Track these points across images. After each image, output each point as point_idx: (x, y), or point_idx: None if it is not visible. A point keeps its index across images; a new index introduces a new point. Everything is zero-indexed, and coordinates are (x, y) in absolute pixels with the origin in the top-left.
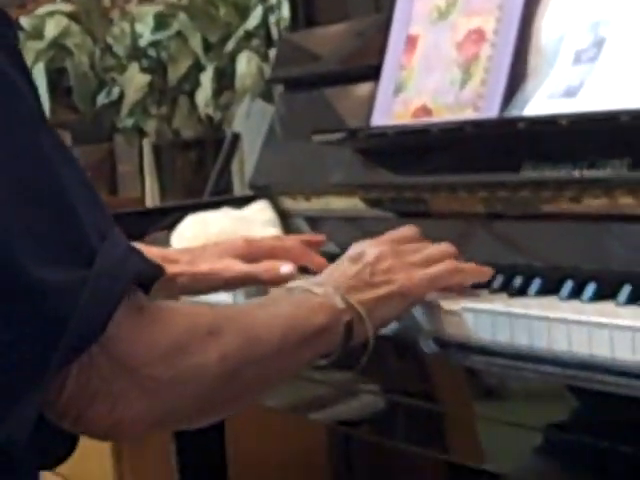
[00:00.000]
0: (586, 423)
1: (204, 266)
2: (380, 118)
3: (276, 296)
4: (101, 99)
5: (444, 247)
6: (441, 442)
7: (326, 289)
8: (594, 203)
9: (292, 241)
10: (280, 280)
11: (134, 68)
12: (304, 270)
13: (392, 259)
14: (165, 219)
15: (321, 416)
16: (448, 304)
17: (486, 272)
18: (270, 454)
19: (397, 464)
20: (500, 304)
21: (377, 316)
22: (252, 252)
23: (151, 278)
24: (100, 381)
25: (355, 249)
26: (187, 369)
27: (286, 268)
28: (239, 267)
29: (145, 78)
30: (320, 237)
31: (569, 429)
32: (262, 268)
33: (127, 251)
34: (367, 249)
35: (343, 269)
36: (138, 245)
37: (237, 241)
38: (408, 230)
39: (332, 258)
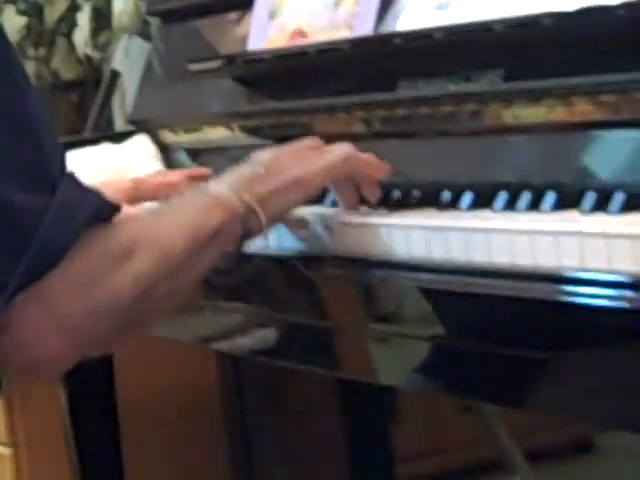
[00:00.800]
0: (472, 328)
1: None
2: (256, 44)
3: (172, 201)
4: None
5: (344, 146)
6: (332, 359)
7: (218, 187)
8: (470, 117)
9: (177, 176)
10: None
11: (10, 11)
12: None
13: (288, 158)
14: None
15: (221, 347)
16: (332, 221)
17: (383, 166)
18: (159, 384)
19: (288, 386)
20: (379, 217)
21: (271, 208)
22: (138, 193)
23: (108, 214)
24: (15, 314)
25: (254, 155)
26: (102, 298)
27: None
28: (127, 211)
29: (22, 20)
30: (205, 170)
31: (456, 336)
32: None
33: (84, 188)
34: (265, 153)
35: (238, 170)
36: None
37: (123, 182)
38: (310, 141)
39: None
